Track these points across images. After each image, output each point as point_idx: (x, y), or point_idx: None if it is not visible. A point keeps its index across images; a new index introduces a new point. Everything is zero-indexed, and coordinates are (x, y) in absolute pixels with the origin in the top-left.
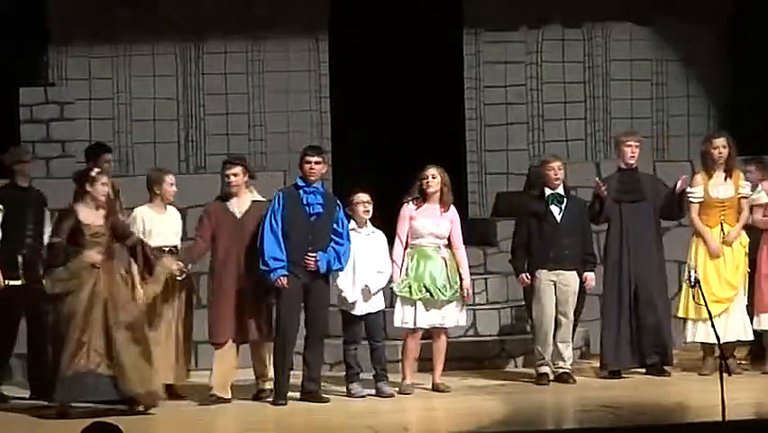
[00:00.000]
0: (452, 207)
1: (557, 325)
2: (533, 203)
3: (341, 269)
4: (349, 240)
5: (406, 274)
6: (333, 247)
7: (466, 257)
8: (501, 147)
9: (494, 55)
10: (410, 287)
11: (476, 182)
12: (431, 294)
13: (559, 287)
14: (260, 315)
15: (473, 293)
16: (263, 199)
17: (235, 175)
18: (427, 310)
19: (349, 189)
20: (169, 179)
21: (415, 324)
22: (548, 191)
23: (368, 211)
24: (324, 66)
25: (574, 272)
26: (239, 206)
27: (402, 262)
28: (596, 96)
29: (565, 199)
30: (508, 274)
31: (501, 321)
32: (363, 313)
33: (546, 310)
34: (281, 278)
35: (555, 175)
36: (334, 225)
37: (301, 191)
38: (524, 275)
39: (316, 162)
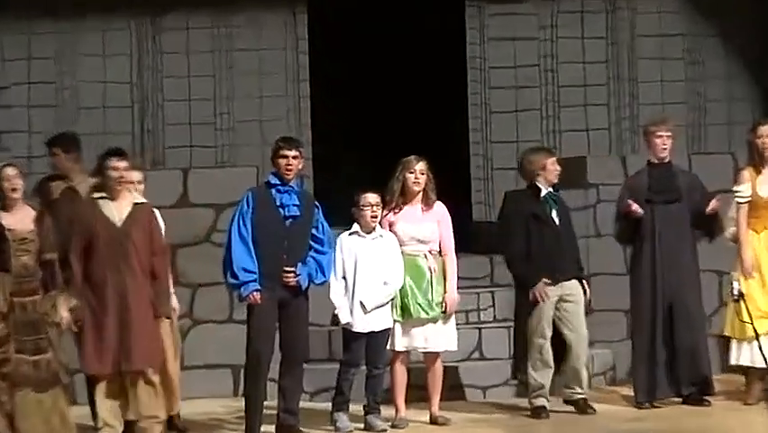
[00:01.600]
0: (438, 204)
1: (567, 345)
2: (530, 203)
3: (324, 282)
4: (331, 247)
5: None
6: (313, 257)
7: (456, 263)
8: (510, 138)
9: (501, 30)
10: (399, 303)
11: (481, 179)
12: (409, 312)
13: (565, 301)
14: (151, 340)
15: (479, 309)
16: (145, 201)
17: (124, 170)
18: (406, 331)
19: (330, 186)
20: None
21: (392, 346)
22: (544, 190)
23: (376, 216)
24: (303, 43)
25: (577, 282)
26: (119, 210)
27: None
28: (621, 78)
29: (557, 201)
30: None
31: (511, 342)
32: (366, 331)
33: (545, 331)
34: (254, 293)
35: (557, 171)
36: (313, 230)
37: (274, 190)
38: (542, 286)
39: (294, 157)
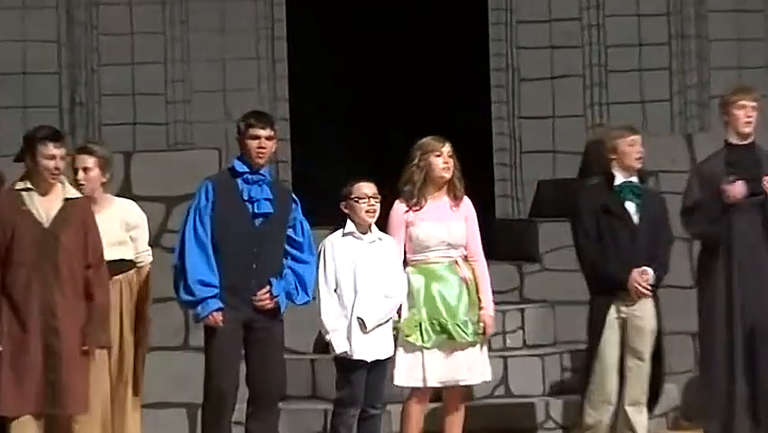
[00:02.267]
0: (466, 198)
1: (623, 377)
2: (601, 194)
3: (306, 302)
4: (313, 253)
5: (411, 307)
6: (291, 268)
7: (487, 272)
8: (544, 113)
9: None
10: (419, 325)
11: (506, 165)
12: (449, 334)
13: (633, 322)
14: (81, 380)
15: (504, 332)
16: (79, 195)
17: (61, 159)
18: (445, 359)
19: (313, 176)
20: None
21: (424, 381)
22: (620, 178)
23: (373, 210)
24: None
25: (652, 302)
26: (46, 207)
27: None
28: (685, 35)
29: (641, 193)
30: (557, 303)
31: (546, 374)
32: (370, 359)
33: (607, 356)
34: (215, 313)
35: (638, 154)
36: (290, 232)
37: (240, 180)
38: (636, 276)
39: (267, 138)
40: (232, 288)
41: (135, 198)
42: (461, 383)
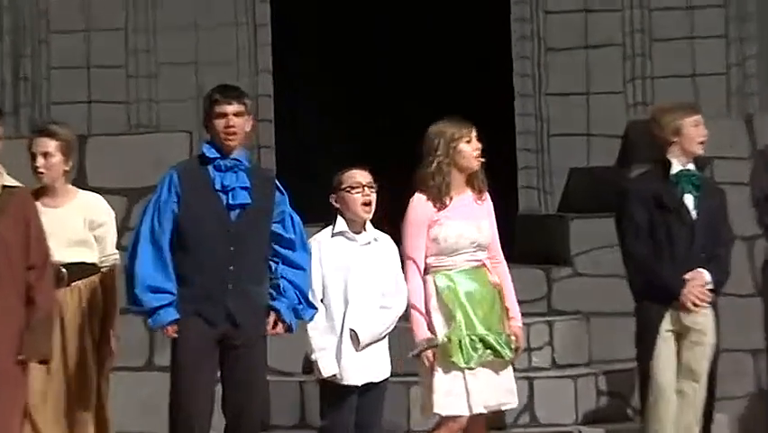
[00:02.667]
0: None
1: (678, 401)
2: (654, 185)
3: (313, 315)
4: (308, 251)
5: (447, 322)
6: (286, 278)
7: (509, 275)
8: (576, 88)
9: None
10: (460, 343)
11: (531, 151)
12: (494, 350)
13: (691, 336)
14: (10, 397)
15: (529, 349)
16: (18, 185)
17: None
18: (488, 381)
19: (301, 164)
20: None
21: (469, 408)
22: (677, 166)
23: (369, 202)
24: None
25: (711, 311)
26: None
27: (426, 303)
28: None
29: (701, 183)
30: (592, 314)
31: (579, 399)
32: (361, 383)
33: (661, 378)
34: (168, 326)
35: (702, 138)
36: (278, 228)
37: (211, 168)
38: (691, 288)
39: (237, 114)
40: (204, 296)
41: (90, 190)
42: (504, 408)
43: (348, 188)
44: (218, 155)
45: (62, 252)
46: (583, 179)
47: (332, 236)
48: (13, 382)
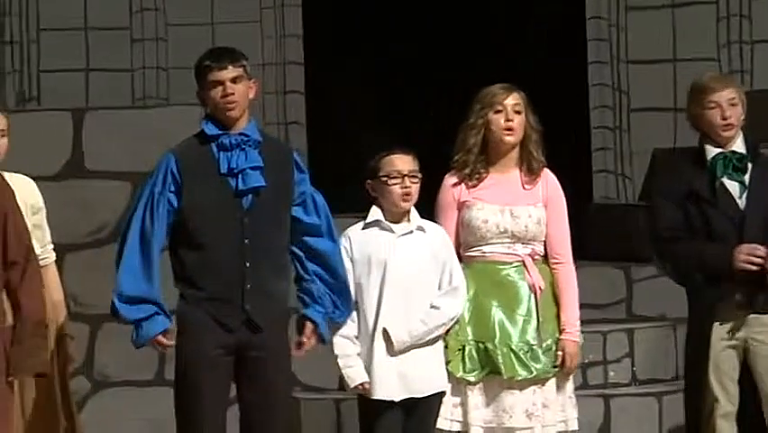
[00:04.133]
0: (547, 172)
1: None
2: (688, 170)
3: (345, 319)
4: (336, 240)
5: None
6: (320, 278)
7: (575, 279)
8: (661, 54)
9: None
10: (462, 350)
11: (608, 129)
12: (500, 366)
13: (757, 349)
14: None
15: (605, 361)
16: None
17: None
18: (493, 397)
19: (339, 143)
20: None
21: (467, 424)
22: (712, 150)
23: (409, 193)
24: None
25: None
26: None
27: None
28: None
29: (751, 166)
30: (680, 321)
31: (664, 419)
32: (400, 399)
33: (716, 390)
34: (157, 337)
35: (734, 115)
36: (300, 213)
37: (214, 147)
38: (743, 249)
39: (233, 79)
40: (216, 298)
41: (87, 175)
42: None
43: (385, 177)
44: (221, 131)
45: None
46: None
47: (364, 228)
48: (4, 403)
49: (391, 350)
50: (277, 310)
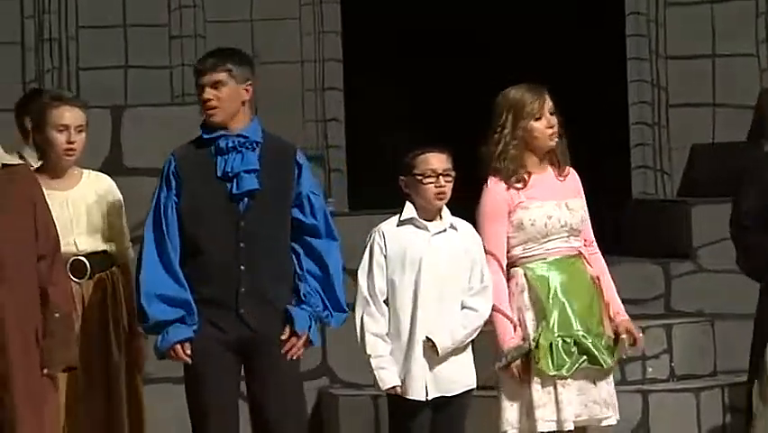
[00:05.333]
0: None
1: None
2: None
3: (345, 319)
4: (335, 239)
5: (539, 321)
6: (311, 274)
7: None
8: (700, 50)
9: None
10: (551, 346)
11: (647, 125)
12: (591, 357)
13: None
14: (37, 416)
15: (643, 357)
16: (19, 162)
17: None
18: (582, 392)
19: (376, 140)
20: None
21: (560, 420)
22: None
23: (443, 192)
24: None
25: None
26: None
27: (513, 302)
28: None
29: None
30: (719, 316)
31: (703, 416)
32: (429, 399)
33: None
34: (177, 345)
35: None
36: (294, 212)
37: (213, 149)
38: None
39: (213, 84)
40: (213, 301)
41: (127, 171)
42: (605, 423)
43: (420, 175)
44: (215, 134)
45: (82, 240)
46: (708, 157)
47: (398, 225)
48: (41, 399)
49: (428, 352)
50: (274, 314)
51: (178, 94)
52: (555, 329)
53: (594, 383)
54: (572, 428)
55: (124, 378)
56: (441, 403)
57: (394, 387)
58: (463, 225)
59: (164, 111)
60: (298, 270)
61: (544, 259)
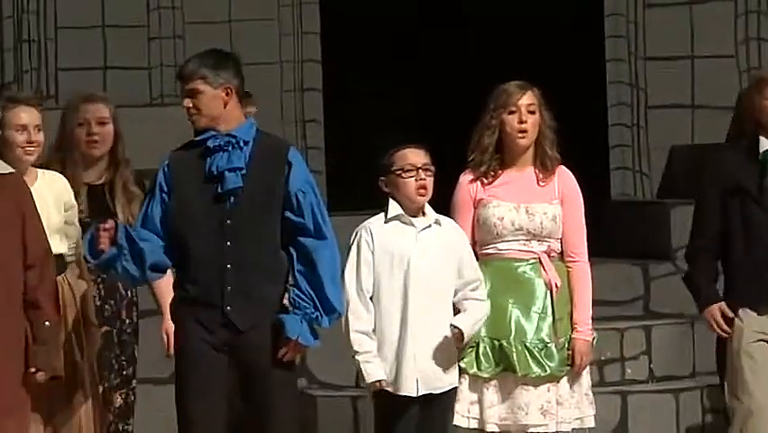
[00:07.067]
0: (563, 169)
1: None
2: (735, 166)
3: (338, 318)
4: (327, 237)
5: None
6: (301, 274)
7: (590, 277)
8: (679, 51)
9: None
10: (476, 347)
11: (626, 126)
12: (514, 364)
13: None
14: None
15: (622, 358)
16: (10, 170)
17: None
18: (508, 395)
19: (354, 140)
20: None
21: (482, 421)
22: (766, 142)
23: (425, 187)
24: None
25: None
26: None
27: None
28: None
29: None
30: (698, 318)
31: (682, 417)
32: (419, 394)
33: (759, 397)
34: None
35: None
36: (287, 212)
37: (204, 150)
38: (718, 308)
39: (189, 93)
40: (196, 299)
41: None
42: (532, 430)
43: (399, 171)
44: (206, 135)
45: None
46: (687, 158)
47: (385, 222)
48: (22, 408)
49: (416, 347)
50: (262, 313)
51: (157, 95)
52: (485, 330)
53: (524, 387)
54: (496, 430)
55: (88, 379)
56: (428, 400)
57: (379, 381)
58: (446, 220)
59: (143, 112)
60: (293, 271)
61: (500, 258)
